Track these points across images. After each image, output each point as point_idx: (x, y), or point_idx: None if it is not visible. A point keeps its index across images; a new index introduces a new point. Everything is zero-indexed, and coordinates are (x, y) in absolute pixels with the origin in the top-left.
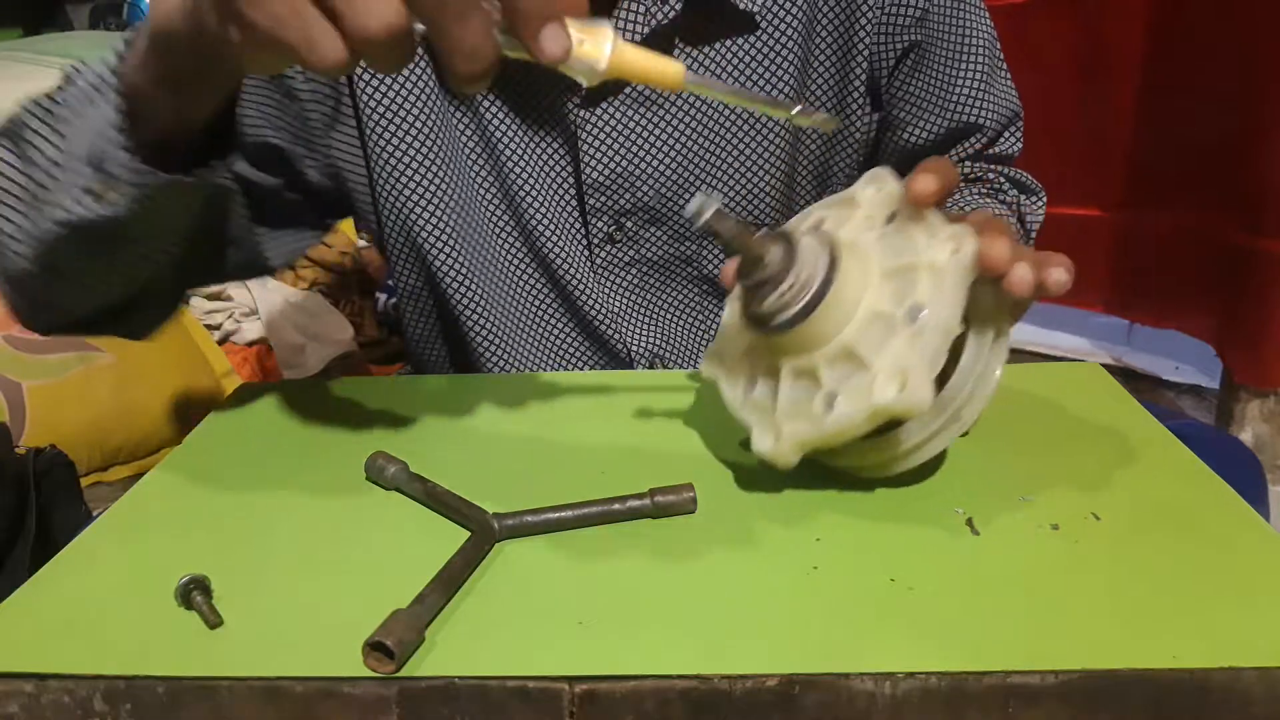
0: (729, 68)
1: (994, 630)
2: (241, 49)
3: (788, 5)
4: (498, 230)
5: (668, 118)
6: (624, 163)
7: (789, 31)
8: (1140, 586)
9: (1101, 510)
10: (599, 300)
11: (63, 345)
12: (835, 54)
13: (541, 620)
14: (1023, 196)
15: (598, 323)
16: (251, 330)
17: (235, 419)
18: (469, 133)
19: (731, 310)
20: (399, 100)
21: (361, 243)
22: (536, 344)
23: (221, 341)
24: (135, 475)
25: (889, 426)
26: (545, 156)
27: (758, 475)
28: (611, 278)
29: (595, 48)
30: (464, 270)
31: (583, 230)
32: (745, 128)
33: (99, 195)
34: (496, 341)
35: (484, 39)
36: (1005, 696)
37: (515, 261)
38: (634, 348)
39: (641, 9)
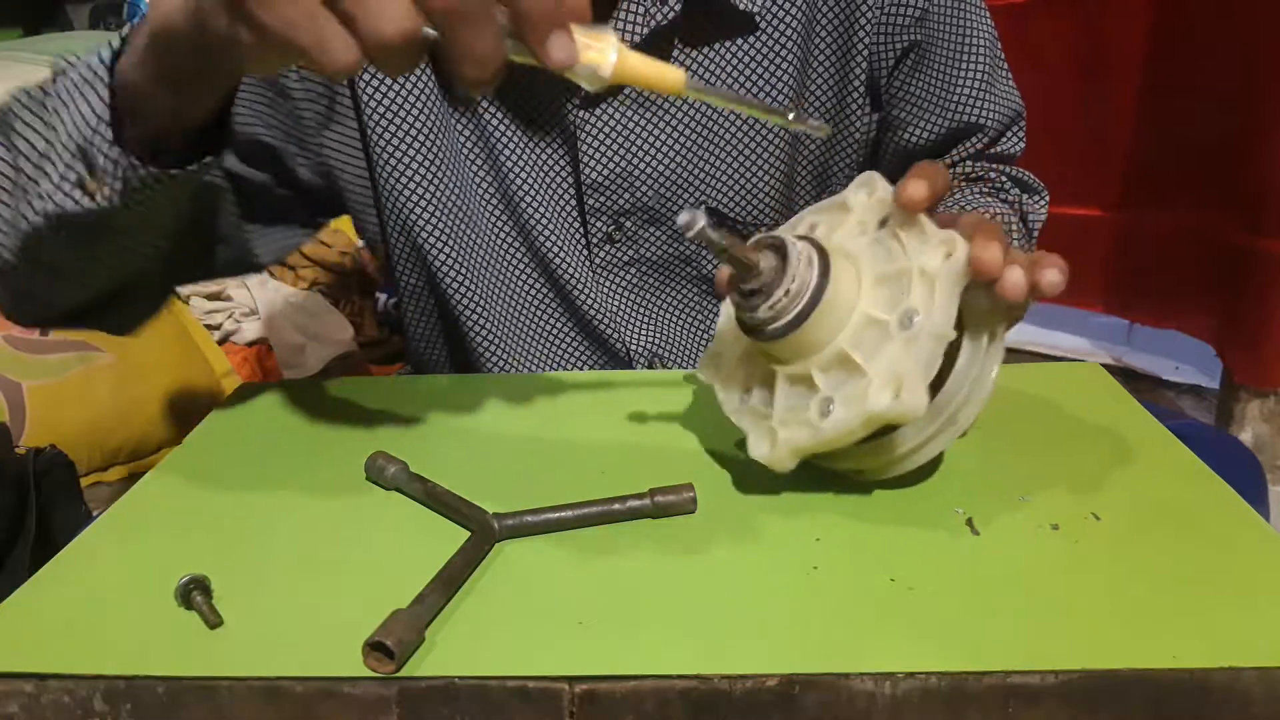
0: (728, 69)
1: (994, 630)
2: (251, 50)
3: (787, 6)
4: (497, 230)
5: (667, 118)
6: (623, 163)
7: (788, 32)
8: (1140, 586)
9: (1101, 510)
10: (598, 300)
11: (63, 345)
12: (835, 54)
13: (541, 620)
14: (1025, 195)
15: (597, 322)
16: (251, 330)
17: (235, 419)
18: (468, 134)
19: (727, 314)
20: (400, 101)
21: (361, 243)
22: (536, 343)
23: (221, 341)
24: (135, 475)
25: (885, 431)
26: (544, 157)
27: (758, 475)
28: (610, 277)
29: (600, 54)
30: (464, 270)
31: (581, 230)
32: (744, 128)
33: (86, 188)
34: (496, 341)
35: (494, 45)
36: (1005, 696)
37: (514, 261)
38: (633, 347)
39: (641, 10)
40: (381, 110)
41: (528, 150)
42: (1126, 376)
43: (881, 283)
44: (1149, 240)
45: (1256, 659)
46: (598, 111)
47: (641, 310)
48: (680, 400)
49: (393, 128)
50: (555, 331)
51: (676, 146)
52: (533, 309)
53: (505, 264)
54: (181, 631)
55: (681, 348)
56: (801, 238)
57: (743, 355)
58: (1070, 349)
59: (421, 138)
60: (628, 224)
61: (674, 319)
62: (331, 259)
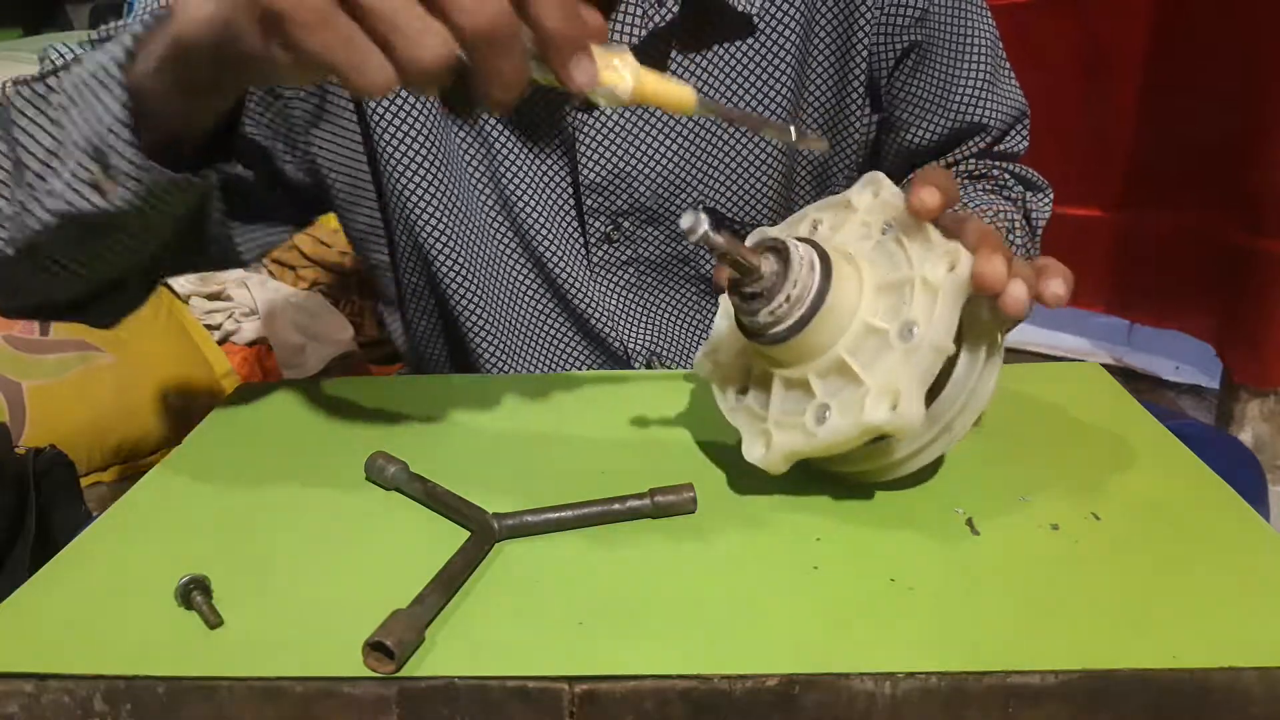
0: (726, 72)
1: (994, 630)
2: (284, 68)
3: (785, 7)
4: (495, 231)
5: (665, 119)
6: (621, 163)
7: (786, 33)
8: (1140, 586)
9: (1101, 510)
10: (596, 300)
11: (62, 345)
12: (834, 55)
13: (541, 620)
14: (1029, 193)
15: (595, 322)
16: (251, 330)
17: (235, 419)
18: (467, 135)
19: (725, 310)
20: (402, 102)
21: None
22: (534, 343)
23: (221, 341)
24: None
25: (880, 438)
26: (542, 158)
27: (758, 475)
28: (608, 277)
29: (618, 75)
30: (463, 270)
31: (579, 230)
32: (743, 128)
33: (100, 189)
34: (495, 340)
35: (520, 69)
36: (1005, 696)
37: (512, 261)
38: (631, 347)
39: (639, 12)
40: (384, 111)
41: (526, 151)
42: (1126, 376)
43: (882, 291)
44: (1149, 240)
45: (1256, 659)
46: (596, 112)
47: (639, 310)
48: (680, 400)
49: (391, 129)
50: (553, 331)
51: (674, 147)
52: (531, 308)
53: (504, 264)
54: (181, 631)
55: (680, 347)
56: (804, 240)
57: (740, 352)
58: (1070, 349)
59: (422, 138)
60: (626, 224)
61: (672, 318)
62: (331, 259)
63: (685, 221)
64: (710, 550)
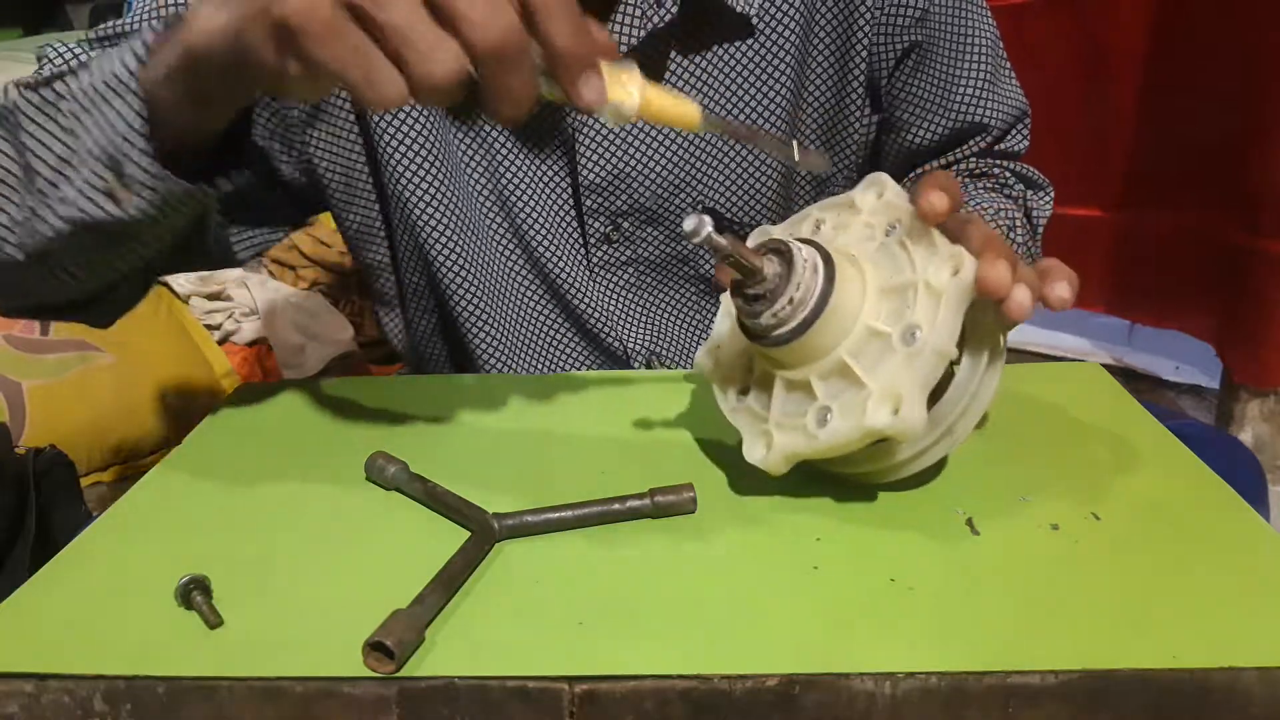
0: (725, 74)
1: (994, 630)
2: (296, 81)
3: (785, 7)
4: (495, 231)
5: None
6: (621, 164)
7: (786, 34)
8: (1140, 586)
9: (1101, 510)
10: (595, 300)
11: (62, 345)
12: (833, 56)
13: (541, 620)
14: (1030, 192)
15: (594, 322)
16: (251, 330)
17: (235, 419)
18: (466, 136)
19: (726, 309)
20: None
21: None
22: (534, 343)
23: (221, 341)
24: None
25: (881, 440)
26: (542, 158)
27: (758, 475)
28: (608, 277)
29: (626, 93)
30: (463, 270)
31: (579, 231)
32: (748, 144)
33: (115, 197)
34: (495, 340)
35: (530, 85)
36: (1005, 696)
37: (512, 261)
38: (631, 347)
39: (638, 13)
40: (384, 111)
41: (526, 152)
42: (1126, 376)
43: (886, 294)
44: (1149, 240)
45: (1256, 659)
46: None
47: (639, 310)
48: (680, 400)
49: (393, 128)
50: (553, 331)
51: (674, 147)
52: (531, 308)
53: (503, 264)
54: (181, 631)
55: (679, 347)
56: (807, 241)
57: (741, 352)
58: (1070, 349)
59: (423, 138)
60: (625, 224)
61: (672, 318)
62: (331, 259)
63: (689, 224)
64: (710, 550)
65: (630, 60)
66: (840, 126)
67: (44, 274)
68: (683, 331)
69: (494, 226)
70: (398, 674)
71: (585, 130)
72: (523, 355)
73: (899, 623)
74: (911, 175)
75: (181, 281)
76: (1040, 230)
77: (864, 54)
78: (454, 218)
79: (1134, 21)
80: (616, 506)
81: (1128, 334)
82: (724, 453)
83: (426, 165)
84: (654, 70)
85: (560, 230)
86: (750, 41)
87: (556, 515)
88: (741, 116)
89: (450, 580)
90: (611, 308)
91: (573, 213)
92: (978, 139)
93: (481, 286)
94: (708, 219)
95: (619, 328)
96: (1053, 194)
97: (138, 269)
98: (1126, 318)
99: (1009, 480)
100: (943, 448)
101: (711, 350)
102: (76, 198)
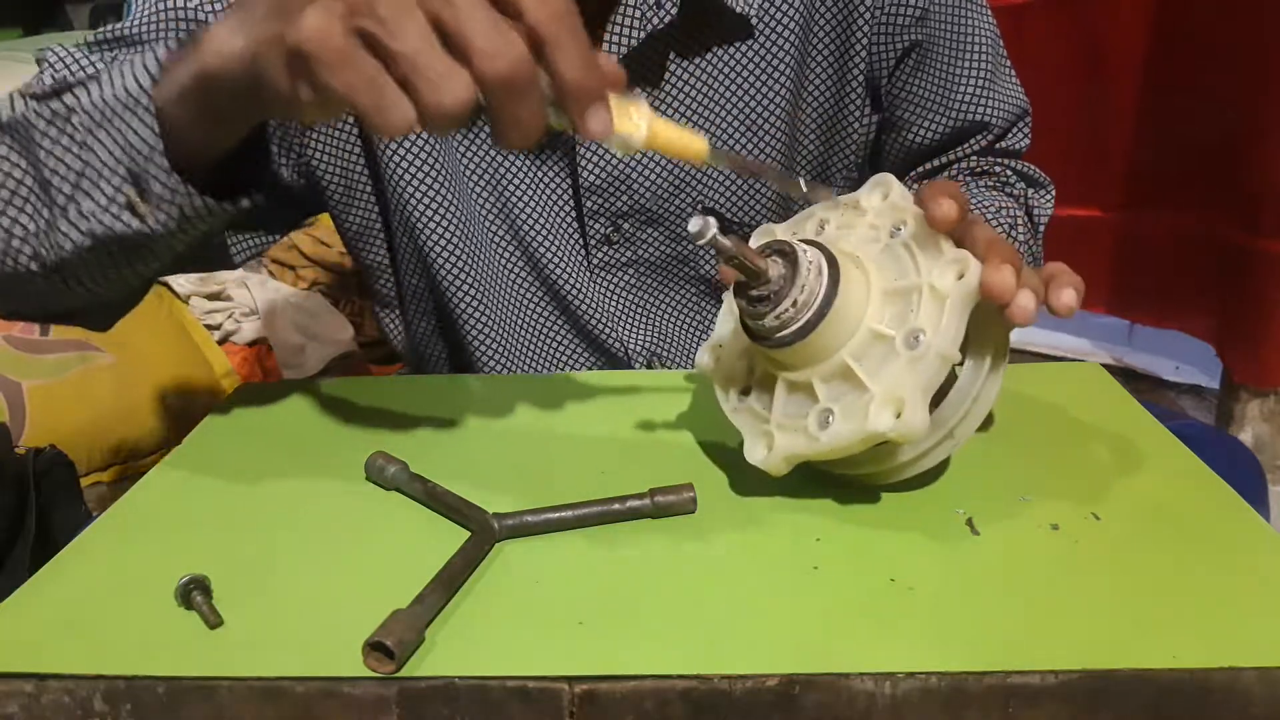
0: (725, 75)
1: (994, 630)
2: (308, 106)
3: (784, 8)
4: (495, 233)
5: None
6: (621, 165)
7: (785, 35)
8: (1140, 586)
9: (1101, 510)
10: (595, 301)
11: (62, 345)
12: (832, 56)
13: (541, 620)
14: (1031, 190)
15: (594, 324)
16: (251, 330)
17: (235, 419)
18: (466, 138)
19: (729, 308)
20: None
21: None
22: (534, 345)
23: (221, 341)
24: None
25: (882, 443)
26: (542, 160)
27: (758, 476)
28: (608, 279)
29: (633, 125)
30: (463, 272)
31: (579, 232)
32: (742, 128)
33: (136, 212)
34: (494, 342)
35: (538, 116)
36: (1005, 696)
37: (512, 263)
38: (631, 348)
39: (637, 14)
40: None
41: (525, 154)
42: (1126, 376)
43: (889, 296)
44: (1149, 240)
45: (1256, 659)
46: None
47: (640, 311)
48: (680, 400)
49: None
50: (553, 333)
51: None
52: (531, 310)
53: (503, 266)
54: (181, 631)
55: (680, 348)
56: (811, 243)
57: (743, 352)
58: (1071, 349)
59: (423, 140)
60: (626, 225)
61: (672, 319)
62: (331, 259)
63: (694, 225)
64: (710, 550)
65: (639, 94)
66: (840, 126)
67: (58, 284)
68: (683, 333)
69: (494, 228)
70: (398, 674)
71: None
72: (523, 357)
73: (899, 623)
74: (912, 175)
75: (181, 281)
76: (1041, 228)
77: (864, 54)
78: (453, 219)
79: (1134, 21)
80: (616, 506)
81: (1128, 334)
82: (724, 453)
83: (426, 166)
84: (653, 72)
85: (560, 232)
86: (750, 43)
87: (556, 515)
88: (741, 118)
89: (450, 580)
90: (612, 309)
91: (573, 214)
92: (978, 138)
93: (481, 288)
94: (712, 220)
95: (619, 329)
96: (1054, 192)
97: (146, 278)
98: (1126, 318)
99: (1009, 480)
100: (944, 450)
101: (713, 350)
102: (98, 212)
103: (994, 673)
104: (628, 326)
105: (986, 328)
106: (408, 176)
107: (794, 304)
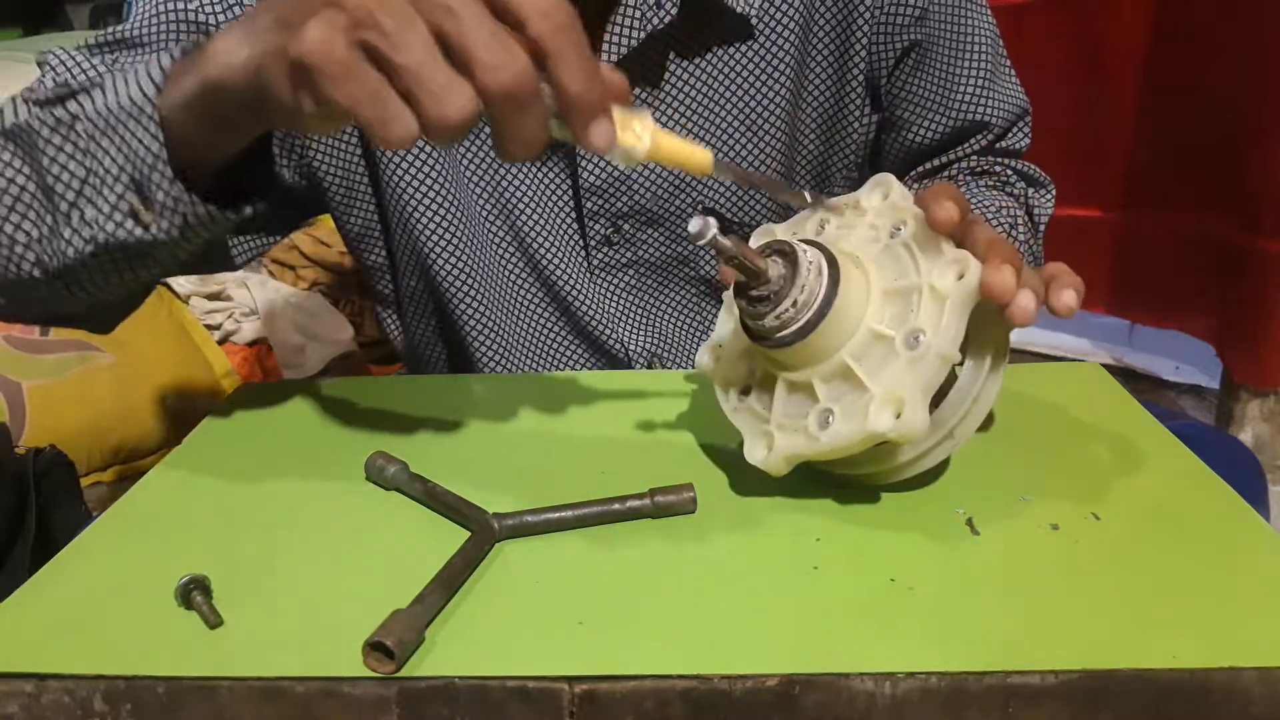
0: (725, 76)
1: (994, 630)
2: (311, 117)
3: (784, 8)
4: (495, 235)
5: (664, 120)
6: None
7: (785, 34)
8: (1140, 586)
9: (1101, 510)
10: (596, 303)
11: (62, 345)
12: (832, 56)
13: (541, 620)
14: (1031, 189)
15: (594, 325)
16: (251, 330)
17: (235, 419)
18: (466, 140)
19: (729, 308)
20: None
21: None
22: (534, 347)
23: (221, 341)
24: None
25: (881, 442)
26: (542, 161)
27: (758, 475)
28: (608, 280)
29: (636, 138)
30: (463, 273)
31: (579, 233)
32: (741, 128)
33: (140, 220)
34: (494, 345)
35: (540, 129)
36: (1005, 696)
37: (512, 264)
38: (632, 349)
39: (637, 15)
40: None
41: None
42: (1126, 376)
43: (889, 296)
44: (1149, 240)
45: (1256, 659)
46: None
47: (640, 312)
48: (680, 400)
49: None
50: (553, 334)
51: None
52: (531, 312)
53: (503, 268)
54: (181, 631)
55: (680, 349)
56: (811, 243)
57: (743, 352)
58: (1071, 349)
59: (422, 142)
60: (626, 226)
61: (672, 320)
62: (331, 259)
63: (694, 226)
64: (710, 550)
65: (644, 107)
66: (840, 126)
67: (60, 290)
68: (684, 334)
69: (493, 230)
70: (398, 674)
71: None
72: (522, 358)
73: (899, 623)
74: (912, 175)
75: (181, 281)
76: (1042, 228)
77: (863, 53)
78: (453, 220)
79: (1134, 21)
80: (616, 506)
81: (1128, 334)
82: (724, 453)
83: (425, 168)
84: (653, 73)
85: (560, 233)
86: (750, 43)
87: (556, 515)
88: (741, 118)
89: (450, 580)
90: (612, 310)
91: (573, 215)
92: (978, 137)
93: (481, 290)
94: (713, 221)
95: (620, 330)
96: (1054, 191)
97: (147, 282)
98: (1126, 318)
99: (1009, 480)
100: (944, 450)
101: (713, 349)
102: (102, 220)
103: (994, 673)
104: (628, 327)
105: (986, 328)
106: (407, 178)
107: (794, 304)
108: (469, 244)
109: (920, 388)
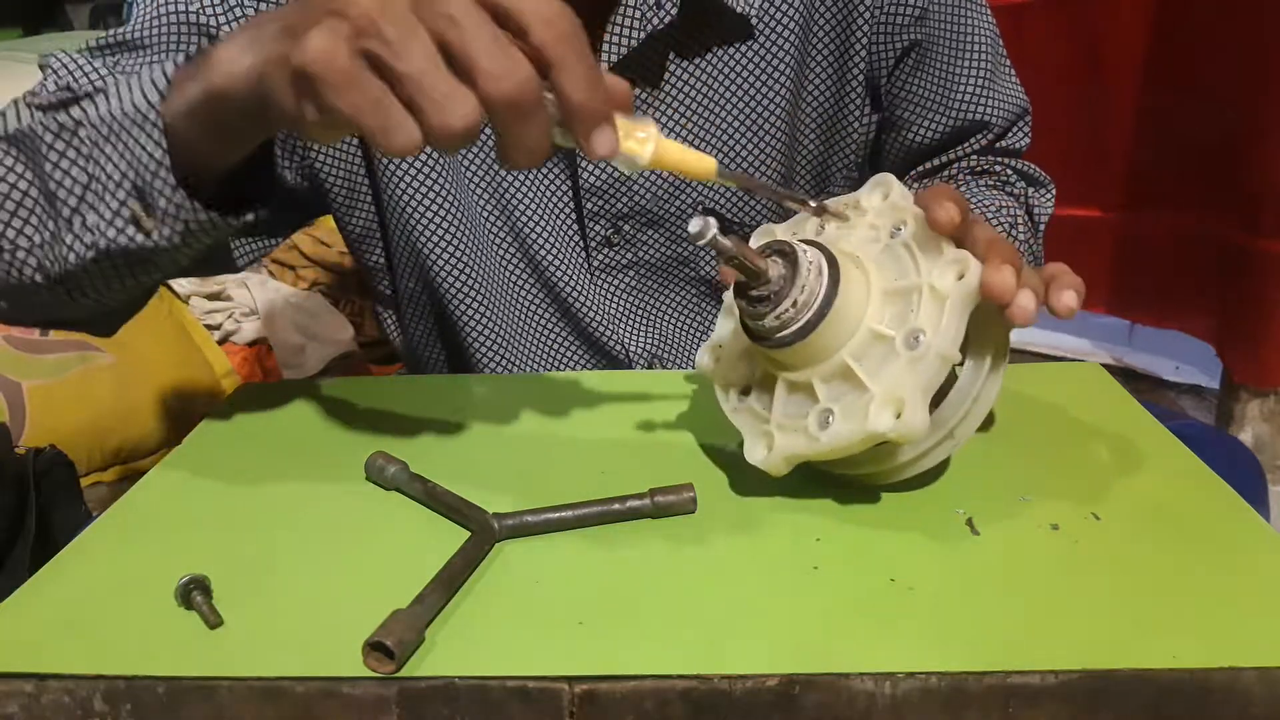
0: (725, 76)
1: (994, 630)
2: (313, 126)
3: (784, 8)
4: (495, 236)
5: (664, 121)
6: None
7: (785, 35)
8: (1140, 586)
9: (1101, 510)
10: (596, 303)
11: (62, 345)
12: (832, 56)
13: (541, 620)
14: (1031, 189)
15: (595, 325)
16: (251, 330)
17: (235, 419)
18: None
19: (729, 309)
20: None
21: None
22: (534, 348)
23: (221, 341)
24: (135, 475)
25: (881, 442)
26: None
27: (758, 475)
28: (608, 280)
29: (639, 145)
30: (462, 275)
31: (579, 234)
32: (741, 128)
33: (142, 226)
34: (494, 346)
35: (544, 137)
36: (1005, 696)
37: (512, 266)
38: (632, 349)
39: (637, 15)
40: None
41: None
42: (1127, 376)
43: (889, 296)
44: (1149, 240)
45: (1256, 659)
46: None
47: (640, 312)
48: (680, 400)
49: None
50: (553, 335)
51: None
52: (531, 313)
53: (503, 269)
54: (181, 631)
55: (680, 349)
56: (811, 243)
57: (743, 353)
58: (1071, 349)
59: None
60: (626, 227)
61: (672, 321)
62: (331, 259)
63: (694, 226)
64: (710, 550)
65: (647, 115)
66: (840, 126)
67: (62, 295)
68: (684, 334)
69: (493, 230)
70: (398, 674)
71: None
72: (522, 360)
73: (899, 623)
74: (912, 174)
75: (182, 282)
76: (1042, 227)
77: (863, 53)
78: (453, 222)
79: (1134, 21)
80: (616, 506)
81: (1128, 334)
82: (724, 453)
83: (425, 170)
84: (653, 73)
85: (561, 234)
86: (750, 43)
87: (556, 515)
88: (741, 118)
89: (450, 580)
90: (612, 311)
91: (573, 216)
92: (978, 137)
93: (480, 291)
94: (713, 221)
95: (620, 331)
96: (1054, 191)
97: (149, 287)
98: (1126, 318)
99: (1009, 480)
100: (944, 450)
101: (713, 349)
102: (104, 226)
103: (994, 673)
104: (628, 328)
105: (987, 328)
106: (406, 179)
107: (794, 304)
108: (469, 245)
109: (920, 388)
